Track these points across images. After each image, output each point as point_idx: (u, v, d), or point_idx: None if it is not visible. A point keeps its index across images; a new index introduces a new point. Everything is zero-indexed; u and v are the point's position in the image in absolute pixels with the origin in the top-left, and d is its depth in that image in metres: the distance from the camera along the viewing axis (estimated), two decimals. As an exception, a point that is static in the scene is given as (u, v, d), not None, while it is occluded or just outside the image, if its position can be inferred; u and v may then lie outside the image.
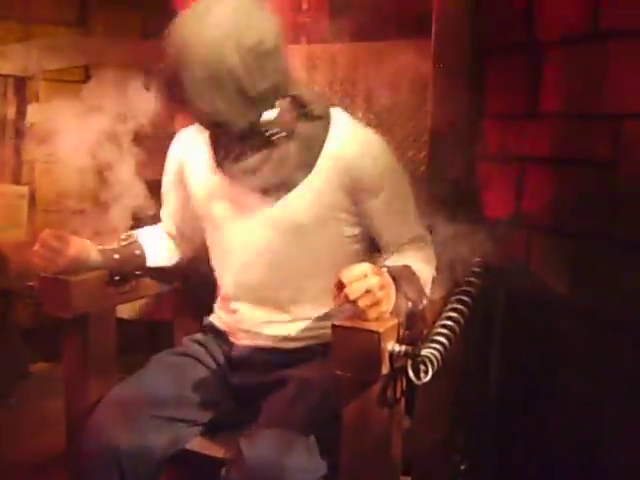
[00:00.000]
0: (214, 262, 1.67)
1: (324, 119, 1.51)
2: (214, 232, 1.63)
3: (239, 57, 1.33)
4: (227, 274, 1.62)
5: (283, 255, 1.53)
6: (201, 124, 1.46)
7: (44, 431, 2.38)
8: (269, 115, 1.43)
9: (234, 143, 1.48)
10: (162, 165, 1.75)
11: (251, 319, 1.59)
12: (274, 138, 1.46)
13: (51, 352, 2.81)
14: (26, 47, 2.83)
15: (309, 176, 1.49)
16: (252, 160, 1.47)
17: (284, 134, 1.46)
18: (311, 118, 1.49)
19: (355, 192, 1.50)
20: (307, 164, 1.49)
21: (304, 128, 1.49)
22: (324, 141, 1.49)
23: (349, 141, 1.50)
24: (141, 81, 2.55)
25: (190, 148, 1.64)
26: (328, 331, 1.21)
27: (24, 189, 2.88)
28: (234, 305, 1.61)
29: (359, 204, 1.51)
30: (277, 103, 1.43)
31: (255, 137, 1.45)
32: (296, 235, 1.51)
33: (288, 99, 1.46)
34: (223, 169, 1.53)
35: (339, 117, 1.54)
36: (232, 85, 1.34)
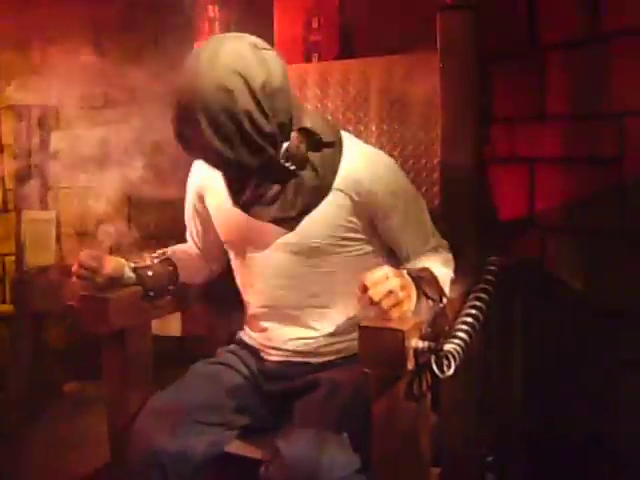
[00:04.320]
0: (239, 284, 1.72)
1: (336, 146, 1.55)
2: (236, 258, 1.69)
3: (250, 97, 1.36)
4: (252, 296, 1.68)
5: (304, 277, 1.58)
6: (216, 167, 1.48)
7: (80, 448, 2.44)
8: (282, 148, 1.48)
9: (248, 177, 1.53)
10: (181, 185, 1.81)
11: (279, 336, 1.64)
12: (288, 169, 1.50)
13: (82, 371, 2.88)
14: (46, 77, 2.91)
15: (324, 201, 1.54)
16: (268, 193, 1.53)
17: (297, 165, 1.51)
18: (322, 146, 1.53)
19: (371, 212, 1.55)
20: (322, 190, 1.53)
21: (316, 156, 1.53)
22: (337, 166, 1.54)
23: (361, 165, 1.54)
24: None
25: (208, 177, 1.67)
26: (354, 343, 1.25)
27: (52, 214, 2.94)
28: (262, 324, 1.67)
29: (376, 223, 1.57)
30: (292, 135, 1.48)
31: (270, 171, 1.50)
32: (315, 258, 1.56)
33: (299, 131, 1.51)
34: (239, 202, 1.58)
35: (350, 142, 1.59)
36: (248, 127, 1.37)
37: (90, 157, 2.94)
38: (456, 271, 1.57)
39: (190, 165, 1.75)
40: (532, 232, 1.98)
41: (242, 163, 1.41)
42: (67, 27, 2.89)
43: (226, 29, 1.82)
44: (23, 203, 2.87)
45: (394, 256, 1.62)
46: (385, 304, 1.25)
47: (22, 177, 2.86)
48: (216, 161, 1.44)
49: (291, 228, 1.56)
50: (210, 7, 1.97)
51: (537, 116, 1.95)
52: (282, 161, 1.49)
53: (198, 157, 1.50)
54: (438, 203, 1.69)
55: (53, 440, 2.56)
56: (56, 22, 2.85)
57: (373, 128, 1.84)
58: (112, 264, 1.60)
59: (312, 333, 1.62)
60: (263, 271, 1.62)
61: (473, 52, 1.69)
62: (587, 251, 1.84)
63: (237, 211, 1.59)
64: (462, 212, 1.70)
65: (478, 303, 1.42)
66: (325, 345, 1.62)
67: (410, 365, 1.22)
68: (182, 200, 1.80)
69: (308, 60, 2.04)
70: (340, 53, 2.06)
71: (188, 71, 1.40)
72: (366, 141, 1.67)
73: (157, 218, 3.02)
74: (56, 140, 2.97)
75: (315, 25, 2.08)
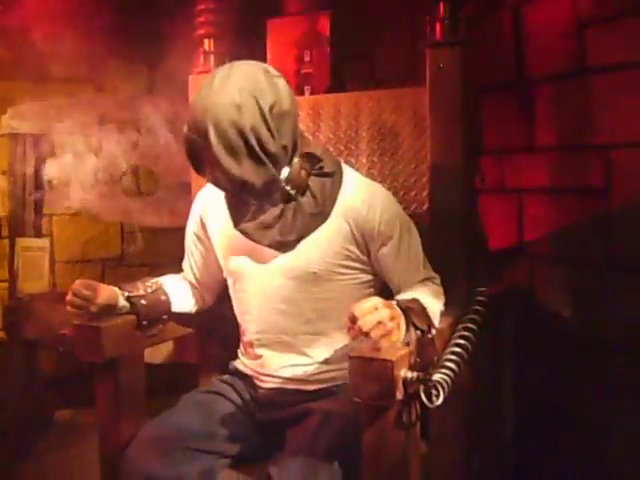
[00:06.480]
0: (237, 311, 1.75)
1: (336, 175, 1.60)
2: (235, 284, 1.72)
3: (260, 117, 1.42)
4: (249, 322, 1.70)
5: (300, 302, 1.61)
6: (223, 185, 1.52)
7: (72, 477, 2.43)
8: (284, 172, 1.53)
9: (250, 200, 1.57)
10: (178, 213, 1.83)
11: (273, 363, 1.66)
12: (289, 194, 1.55)
13: (74, 399, 2.87)
14: (42, 106, 2.93)
15: (322, 228, 1.58)
16: (268, 216, 1.57)
17: (298, 189, 1.56)
18: (323, 174, 1.59)
19: (366, 241, 1.59)
20: (320, 217, 1.57)
21: (316, 183, 1.58)
22: (336, 195, 1.58)
23: (360, 195, 1.59)
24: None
25: (210, 206, 1.72)
26: (346, 372, 1.27)
27: (45, 241, 2.95)
28: (257, 351, 1.69)
29: (371, 252, 1.60)
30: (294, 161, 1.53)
31: (271, 194, 1.54)
32: (311, 284, 1.60)
33: (301, 157, 1.56)
34: (241, 225, 1.61)
35: (350, 174, 1.64)
36: (255, 143, 1.42)
37: (84, 184, 2.96)
38: (445, 302, 1.59)
39: (183, 193, 1.77)
40: (521, 261, 2.01)
41: (246, 180, 1.45)
42: (63, 57, 2.92)
43: (221, 62, 1.85)
44: (16, 230, 2.88)
45: (388, 287, 1.64)
46: (374, 334, 1.27)
47: (16, 204, 2.87)
48: (222, 178, 1.47)
49: (290, 252, 1.59)
50: (206, 41, 2.00)
51: (525, 147, 1.98)
52: (283, 184, 1.53)
53: (206, 174, 1.52)
54: (428, 234, 1.71)
55: (44, 468, 2.55)
56: (52, 53, 2.88)
57: (364, 160, 1.88)
58: (106, 293, 1.61)
59: (305, 360, 1.64)
60: (261, 295, 1.65)
61: (462, 86, 1.72)
62: (575, 280, 1.86)
63: (238, 235, 1.63)
64: (452, 243, 1.73)
65: (466, 333, 1.44)
66: (318, 372, 1.63)
67: (399, 395, 1.23)
68: (175, 228, 1.82)
69: (300, 93, 2.07)
70: (331, 85, 2.09)
71: (203, 89, 1.46)
72: (357, 173, 1.70)
73: (150, 246, 3.04)
74: (50, 168, 2.99)
75: (307, 58, 2.11)
